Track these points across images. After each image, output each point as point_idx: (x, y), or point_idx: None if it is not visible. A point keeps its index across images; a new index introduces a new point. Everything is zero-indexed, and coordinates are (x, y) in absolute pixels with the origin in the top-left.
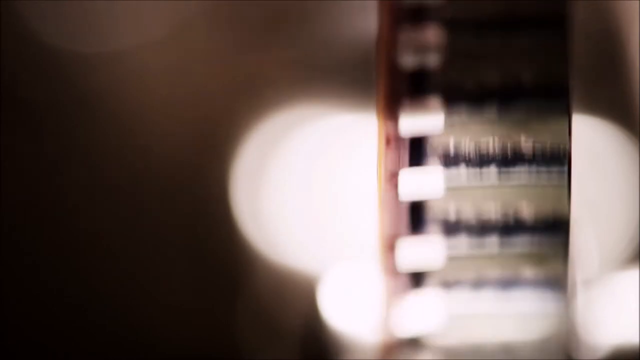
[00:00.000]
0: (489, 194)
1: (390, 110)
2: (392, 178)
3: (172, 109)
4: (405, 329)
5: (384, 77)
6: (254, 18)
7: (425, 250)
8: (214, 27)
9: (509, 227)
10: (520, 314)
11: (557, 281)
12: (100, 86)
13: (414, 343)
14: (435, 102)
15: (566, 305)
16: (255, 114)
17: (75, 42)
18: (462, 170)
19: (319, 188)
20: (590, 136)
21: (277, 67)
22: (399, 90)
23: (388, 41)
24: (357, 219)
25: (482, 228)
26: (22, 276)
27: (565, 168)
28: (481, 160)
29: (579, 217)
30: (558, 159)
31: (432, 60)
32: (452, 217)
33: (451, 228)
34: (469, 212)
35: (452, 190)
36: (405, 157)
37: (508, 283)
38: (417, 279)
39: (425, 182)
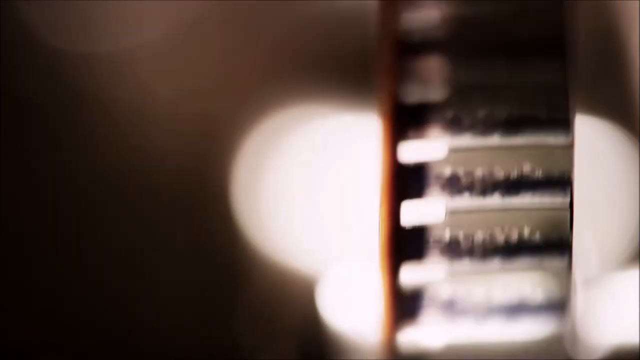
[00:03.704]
0: (492, 219)
1: (394, 139)
2: (395, 205)
3: (171, 108)
4: (405, 328)
5: (387, 107)
6: (254, 18)
7: (427, 270)
8: (213, 27)
9: (512, 250)
10: (525, 334)
11: (560, 302)
12: (100, 86)
13: (413, 343)
14: (438, 131)
15: (567, 318)
16: (255, 113)
17: (75, 42)
18: (464, 198)
19: (319, 188)
20: (590, 136)
21: (277, 66)
22: (402, 120)
23: (391, 73)
24: (357, 219)
25: (484, 250)
26: (21, 276)
27: (569, 194)
28: (484, 187)
29: (579, 217)
30: (561, 185)
31: (435, 91)
32: (453, 240)
33: (452, 251)
34: (470, 236)
35: (454, 215)
36: (408, 185)
37: (512, 305)
38: (417, 296)
39: (427, 209)
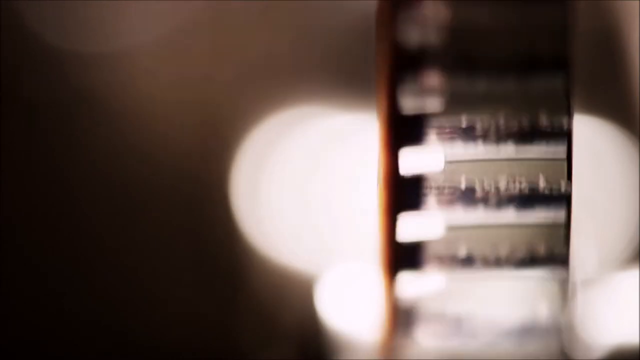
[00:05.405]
0: (499, 230)
1: (393, 151)
2: (394, 217)
3: (171, 108)
4: (404, 330)
5: (386, 119)
6: (255, 18)
7: (427, 280)
8: (214, 28)
9: (515, 262)
10: (522, 342)
11: (560, 315)
12: (100, 86)
13: (412, 343)
14: (437, 141)
15: (565, 313)
16: (255, 113)
17: (75, 42)
18: (469, 210)
19: (318, 188)
20: (590, 136)
21: (277, 66)
22: (401, 131)
23: (389, 85)
24: (356, 220)
25: (486, 262)
26: (21, 276)
27: (567, 207)
28: (493, 199)
29: (579, 217)
30: (559, 198)
31: (434, 102)
32: (457, 253)
33: (454, 262)
34: (472, 249)
35: (457, 228)
36: (407, 197)
37: (513, 314)
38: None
39: (426, 221)
